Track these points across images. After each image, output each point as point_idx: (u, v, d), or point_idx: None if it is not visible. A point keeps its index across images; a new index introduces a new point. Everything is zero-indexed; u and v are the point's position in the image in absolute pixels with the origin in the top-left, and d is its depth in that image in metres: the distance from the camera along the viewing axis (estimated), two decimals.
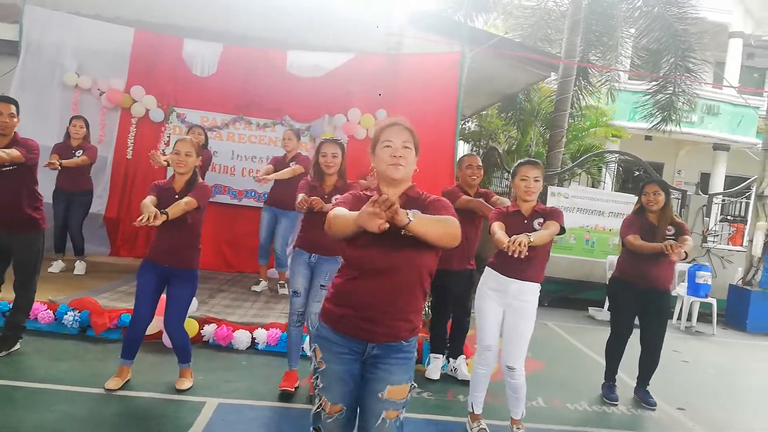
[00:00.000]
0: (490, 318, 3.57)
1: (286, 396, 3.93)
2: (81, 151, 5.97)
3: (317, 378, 2.26)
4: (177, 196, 3.69)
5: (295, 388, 4.00)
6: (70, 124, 6.05)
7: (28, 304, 4.26)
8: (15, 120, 4.02)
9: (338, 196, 2.55)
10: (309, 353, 3.98)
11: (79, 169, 5.99)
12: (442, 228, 2.03)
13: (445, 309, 4.73)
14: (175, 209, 3.50)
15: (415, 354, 2.29)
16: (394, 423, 2.19)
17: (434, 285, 2.34)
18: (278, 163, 6.03)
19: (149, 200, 3.55)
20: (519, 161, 3.66)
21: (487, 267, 3.66)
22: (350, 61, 7.22)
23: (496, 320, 3.57)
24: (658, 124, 10.74)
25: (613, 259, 4.90)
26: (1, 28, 7.15)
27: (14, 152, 3.89)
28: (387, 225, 1.86)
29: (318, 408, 2.26)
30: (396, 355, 2.19)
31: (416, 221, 1.93)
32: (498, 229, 3.42)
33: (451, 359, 4.76)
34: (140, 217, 3.26)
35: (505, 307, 3.54)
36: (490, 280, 3.61)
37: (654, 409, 4.47)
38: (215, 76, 7.20)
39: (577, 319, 8.00)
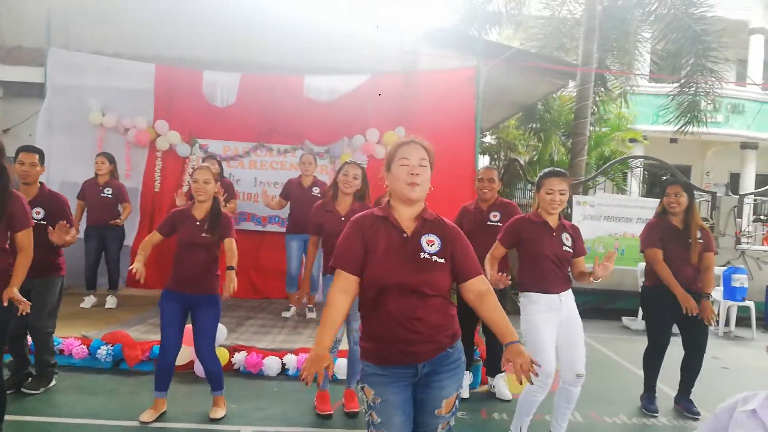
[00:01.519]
0: (549, 343, 3.37)
1: (353, 415, 3.95)
2: (110, 189, 6.12)
3: (371, 415, 2.16)
4: (198, 224, 3.74)
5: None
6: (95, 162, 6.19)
7: (47, 343, 4.14)
8: (38, 169, 4.02)
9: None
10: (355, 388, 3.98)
11: (109, 205, 6.12)
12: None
13: (472, 325, 4.60)
14: (232, 257, 3.83)
15: (463, 357, 2.26)
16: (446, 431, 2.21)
17: (461, 300, 2.29)
18: (293, 186, 6.09)
19: (149, 241, 3.76)
20: (544, 171, 3.52)
21: (528, 293, 3.46)
22: (366, 82, 7.27)
23: (554, 344, 3.41)
24: (683, 126, 10.56)
25: (644, 266, 4.79)
26: (28, 71, 7.37)
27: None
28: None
29: None
30: (447, 364, 2.17)
31: None
32: None
33: (489, 377, 4.68)
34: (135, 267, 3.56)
35: (557, 324, 3.42)
36: (538, 304, 3.42)
37: (698, 419, 4.32)
38: (235, 106, 7.29)
39: (611, 329, 7.84)
